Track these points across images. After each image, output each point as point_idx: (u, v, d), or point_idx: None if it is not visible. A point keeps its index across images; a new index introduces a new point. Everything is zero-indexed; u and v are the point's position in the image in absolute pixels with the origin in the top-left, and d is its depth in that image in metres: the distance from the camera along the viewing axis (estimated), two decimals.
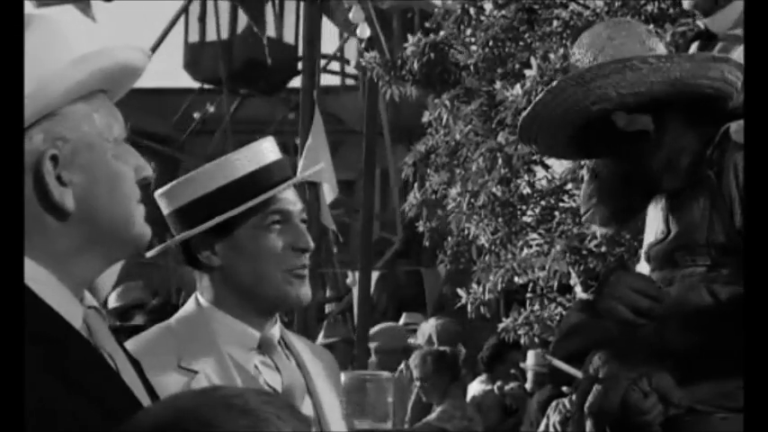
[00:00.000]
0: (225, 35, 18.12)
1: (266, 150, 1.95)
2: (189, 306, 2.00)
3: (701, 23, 2.20)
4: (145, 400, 1.36)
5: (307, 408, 1.97)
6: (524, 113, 2.19)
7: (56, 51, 1.31)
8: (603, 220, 2.22)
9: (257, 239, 1.93)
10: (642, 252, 2.34)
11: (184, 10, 18.77)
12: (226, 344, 1.92)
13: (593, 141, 2.15)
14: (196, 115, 18.78)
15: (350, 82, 18.90)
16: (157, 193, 1.97)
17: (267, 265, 1.93)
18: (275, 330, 1.99)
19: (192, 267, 1.99)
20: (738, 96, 2.08)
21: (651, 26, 2.23)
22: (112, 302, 5.00)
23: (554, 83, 2.14)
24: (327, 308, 13.21)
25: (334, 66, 18.95)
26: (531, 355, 6.76)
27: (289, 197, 1.96)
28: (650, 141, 2.07)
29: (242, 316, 1.94)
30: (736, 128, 2.03)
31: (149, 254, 2.00)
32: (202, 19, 18.44)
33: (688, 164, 2.07)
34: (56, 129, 1.29)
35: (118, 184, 1.35)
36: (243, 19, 18.43)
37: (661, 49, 2.17)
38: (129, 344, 1.91)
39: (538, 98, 2.15)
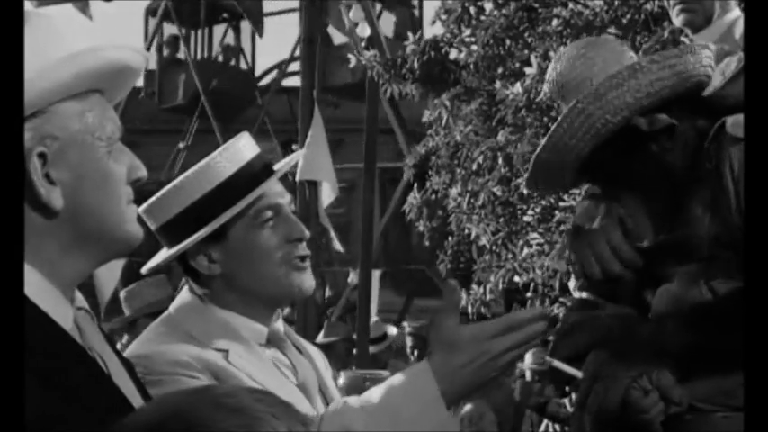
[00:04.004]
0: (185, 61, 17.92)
1: (244, 148, 1.92)
2: (185, 298, 1.95)
3: (686, 40, 2.20)
4: (136, 402, 1.34)
5: (318, 404, 1.94)
6: (537, 152, 2.13)
7: (50, 48, 1.29)
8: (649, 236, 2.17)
9: (252, 239, 1.90)
10: None
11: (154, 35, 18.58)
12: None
13: (603, 162, 2.10)
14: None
15: None
16: (142, 209, 1.91)
17: (266, 263, 1.90)
18: (279, 324, 1.97)
19: (190, 278, 1.95)
20: (712, 81, 2.08)
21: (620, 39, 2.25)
22: (134, 302, 4.77)
23: (569, 107, 2.08)
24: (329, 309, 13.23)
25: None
26: (528, 354, 6.75)
27: (276, 190, 1.93)
28: (671, 137, 2.06)
29: (246, 313, 1.91)
30: (732, 121, 2.03)
31: (144, 270, 1.99)
32: (160, 49, 18.27)
33: (691, 157, 2.07)
34: (44, 126, 1.28)
35: (108, 183, 1.33)
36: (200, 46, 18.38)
37: (632, 56, 2.17)
38: (135, 344, 1.88)
39: (553, 129, 2.09)
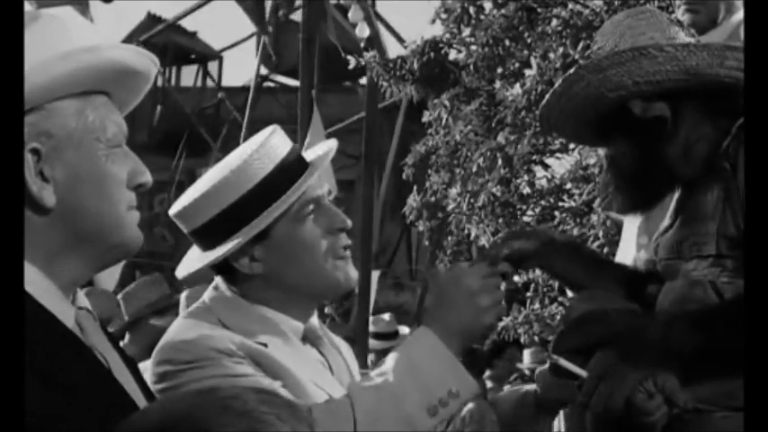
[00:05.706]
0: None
1: (278, 144, 1.88)
2: (221, 292, 1.91)
3: (693, 40, 2.20)
4: (140, 401, 1.34)
5: None
6: (542, 103, 2.16)
7: (56, 48, 1.29)
8: (620, 208, 2.20)
9: (296, 234, 1.86)
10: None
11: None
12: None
13: (612, 129, 2.13)
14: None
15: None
16: (173, 211, 1.89)
17: (312, 257, 1.87)
18: (315, 321, 1.95)
19: (224, 278, 1.91)
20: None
21: (673, 15, 2.22)
22: (133, 302, 4.67)
23: (570, 71, 2.10)
24: (327, 309, 13.21)
25: None
26: (527, 353, 6.73)
27: (313, 182, 1.90)
28: (667, 129, 2.06)
29: (285, 310, 1.89)
30: None
31: (180, 275, 1.92)
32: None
33: (704, 154, 2.06)
34: (41, 123, 1.27)
35: (105, 186, 1.32)
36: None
37: (682, 37, 2.15)
38: (172, 332, 1.85)
39: (554, 88, 2.11)
